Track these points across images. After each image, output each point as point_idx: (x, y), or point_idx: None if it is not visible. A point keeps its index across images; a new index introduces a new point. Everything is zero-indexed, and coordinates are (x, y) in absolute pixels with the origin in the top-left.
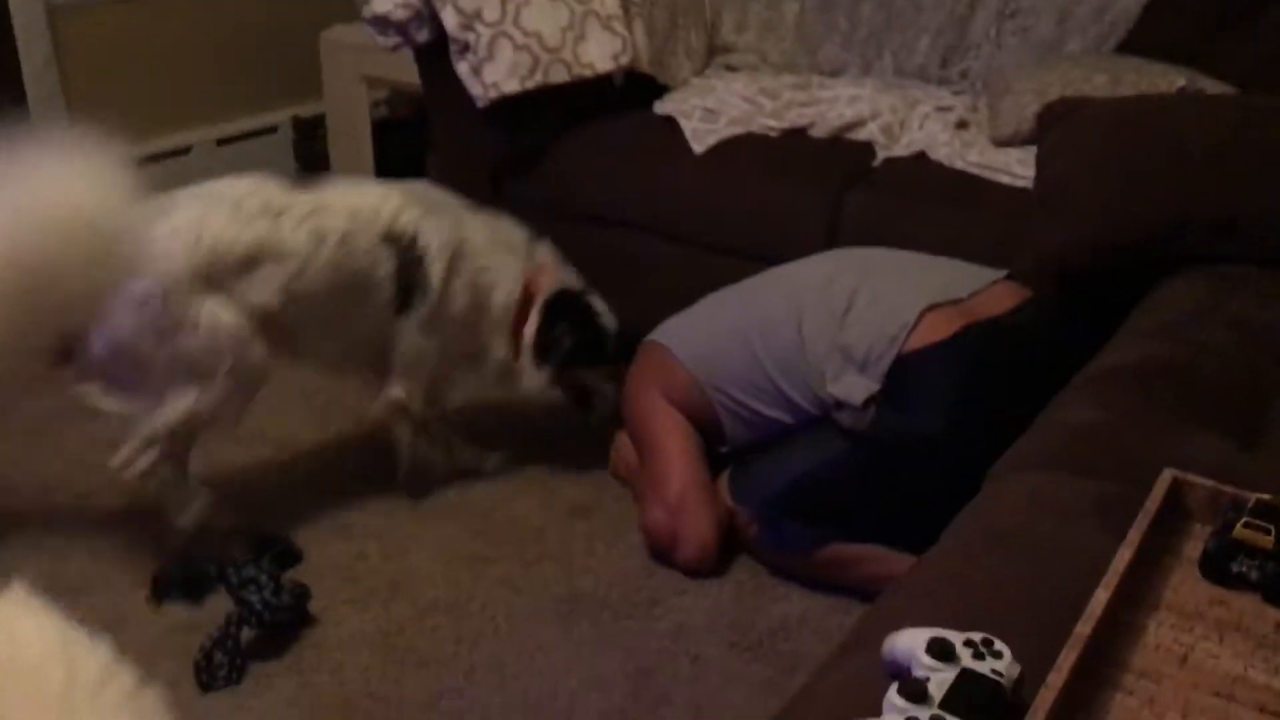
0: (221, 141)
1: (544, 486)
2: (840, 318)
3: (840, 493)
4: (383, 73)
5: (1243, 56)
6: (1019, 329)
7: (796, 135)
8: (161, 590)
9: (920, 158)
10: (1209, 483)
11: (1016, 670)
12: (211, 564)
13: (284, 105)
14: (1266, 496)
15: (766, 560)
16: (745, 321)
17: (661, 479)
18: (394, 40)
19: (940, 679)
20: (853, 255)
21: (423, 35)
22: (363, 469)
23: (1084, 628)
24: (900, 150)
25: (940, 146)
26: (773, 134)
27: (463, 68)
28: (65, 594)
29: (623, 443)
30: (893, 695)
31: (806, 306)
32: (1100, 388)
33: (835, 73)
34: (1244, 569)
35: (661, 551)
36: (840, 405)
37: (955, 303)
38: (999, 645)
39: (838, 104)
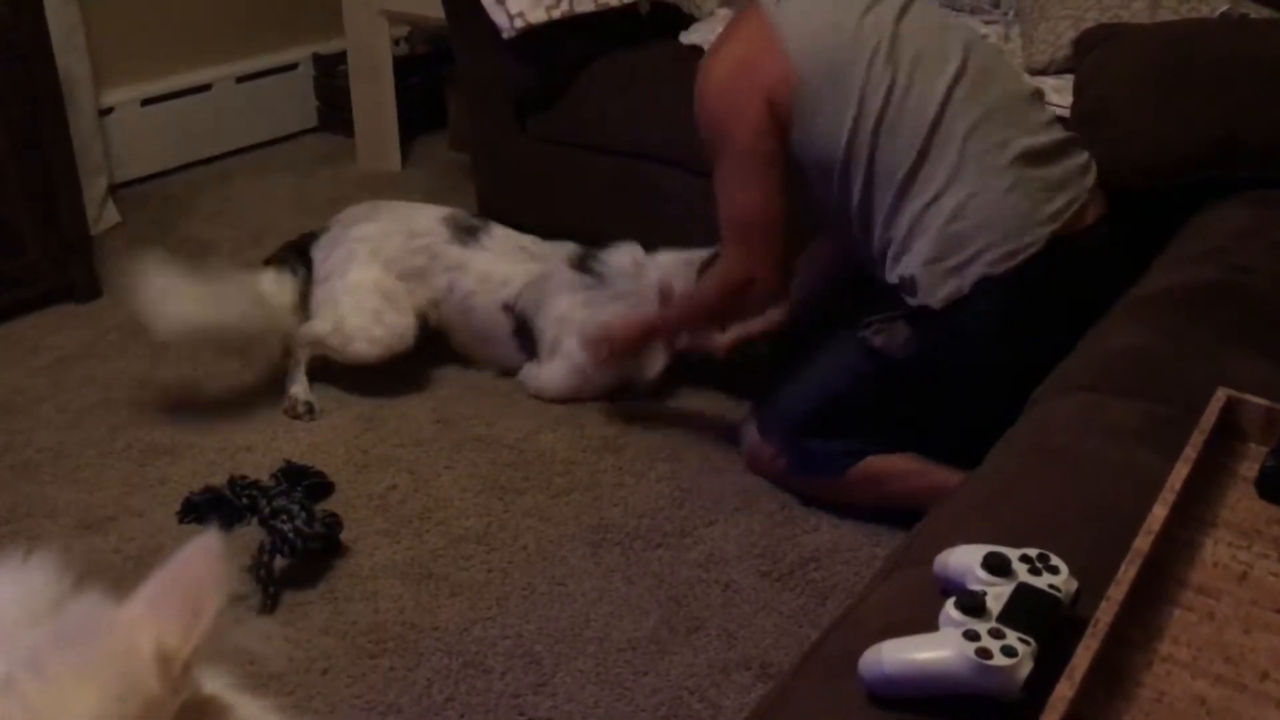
0: (241, 79)
1: (573, 422)
2: (975, 191)
3: (868, 404)
4: (404, 8)
5: None
6: (1093, 250)
7: None
8: (187, 516)
9: None
10: (1264, 402)
11: (1074, 585)
12: (241, 495)
13: (304, 42)
14: None
15: (799, 490)
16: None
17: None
18: None
19: (997, 593)
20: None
21: None
22: (391, 399)
23: (1143, 543)
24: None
25: None
26: None
27: None
28: (99, 524)
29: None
30: (950, 609)
31: (953, 133)
32: (1144, 312)
33: None
34: None
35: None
36: (899, 288)
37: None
38: (1055, 560)
39: None
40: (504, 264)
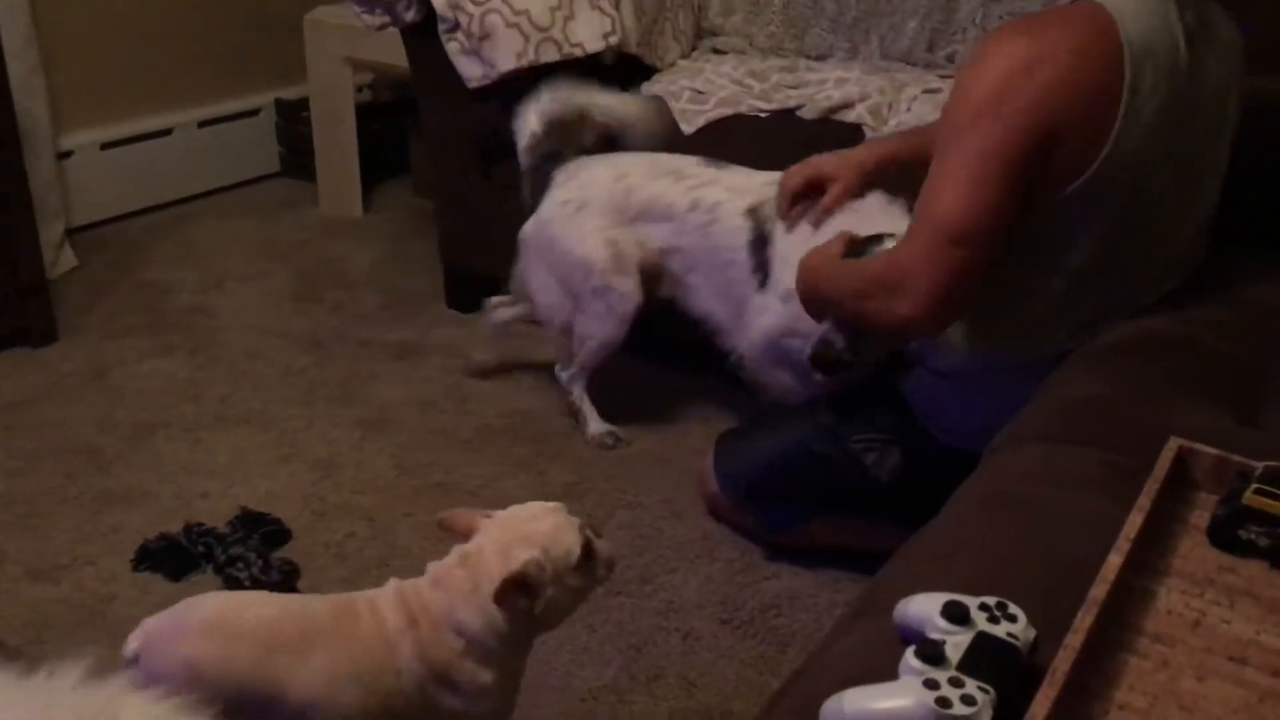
0: (203, 123)
1: (534, 468)
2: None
3: (829, 489)
4: (367, 55)
5: None
6: None
7: (785, 117)
8: (141, 564)
9: None
10: (1215, 451)
11: (1032, 634)
12: (197, 542)
13: (267, 88)
14: (1275, 464)
15: (765, 541)
16: None
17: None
18: (380, 19)
19: (956, 642)
20: None
21: (410, 14)
22: (349, 446)
23: (1099, 591)
24: (889, 132)
25: None
26: (762, 115)
27: (452, 47)
28: (50, 572)
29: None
30: (910, 658)
31: None
32: (1098, 362)
33: (822, 56)
34: (1252, 536)
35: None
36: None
37: None
38: (1013, 609)
39: (826, 86)
40: (756, 181)
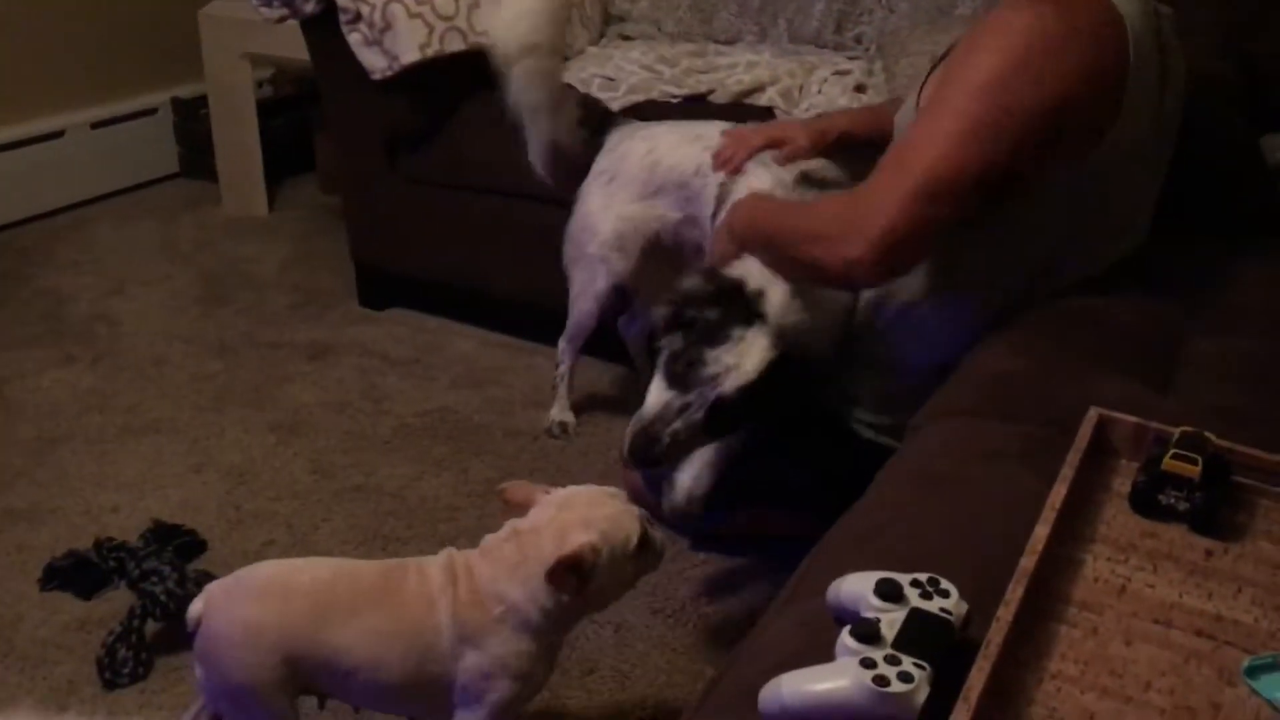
0: (96, 125)
1: (456, 466)
2: None
3: (733, 469)
4: (266, 49)
5: None
6: None
7: (697, 102)
8: (50, 582)
9: None
10: (1133, 419)
11: (964, 608)
12: (108, 558)
13: (162, 86)
14: (1190, 429)
15: (691, 530)
16: None
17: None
18: (279, 12)
19: (891, 619)
20: None
21: (310, 6)
22: (263, 452)
23: (1028, 562)
24: (800, 114)
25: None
26: (674, 101)
27: (354, 39)
28: None
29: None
30: (845, 638)
31: None
32: (1014, 337)
33: (730, 40)
34: (1172, 500)
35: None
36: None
37: None
38: (945, 584)
39: (736, 70)
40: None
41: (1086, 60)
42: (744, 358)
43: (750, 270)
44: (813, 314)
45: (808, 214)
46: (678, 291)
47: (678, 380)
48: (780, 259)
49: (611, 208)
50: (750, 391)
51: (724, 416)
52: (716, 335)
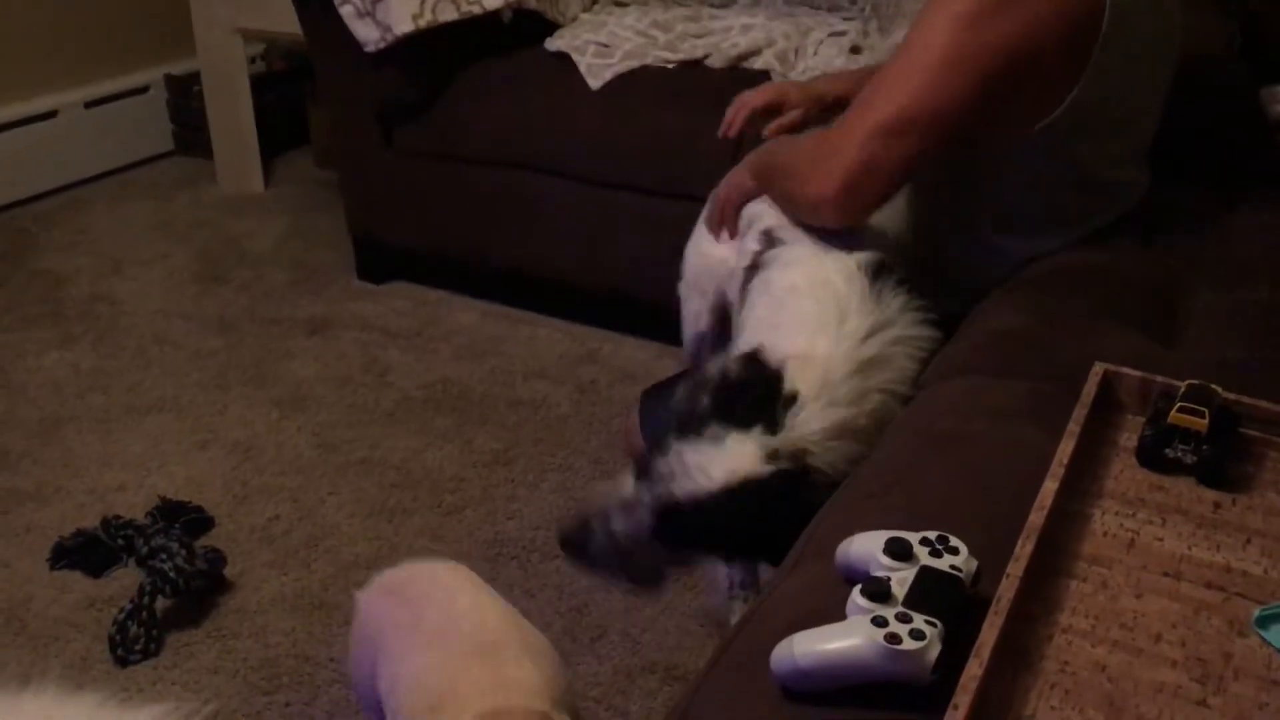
0: (90, 104)
1: (460, 438)
2: None
3: None
4: (258, 24)
5: None
6: None
7: (693, 66)
8: (59, 562)
9: None
10: (1139, 373)
11: (974, 565)
12: (116, 536)
13: (155, 63)
14: (1196, 382)
15: None
16: None
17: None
18: None
19: (901, 578)
20: None
21: None
22: (267, 427)
23: (1036, 518)
24: (797, 77)
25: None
26: (669, 66)
27: (346, 11)
28: None
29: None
30: (856, 597)
31: None
32: (1018, 294)
33: (725, 4)
34: (1179, 454)
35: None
36: None
37: None
38: (954, 542)
39: (731, 34)
40: None
41: (1055, 10)
42: (713, 463)
43: (795, 373)
44: (855, 440)
45: (792, 149)
46: (703, 372)
47: (645, 470)
48: (775, 196)
49: (699, 244)
50: (706, 508)
51: (676, 530)
52: (704, 425)
